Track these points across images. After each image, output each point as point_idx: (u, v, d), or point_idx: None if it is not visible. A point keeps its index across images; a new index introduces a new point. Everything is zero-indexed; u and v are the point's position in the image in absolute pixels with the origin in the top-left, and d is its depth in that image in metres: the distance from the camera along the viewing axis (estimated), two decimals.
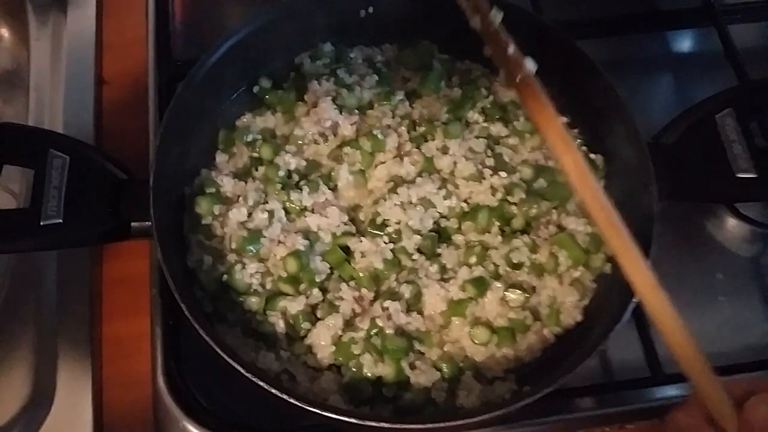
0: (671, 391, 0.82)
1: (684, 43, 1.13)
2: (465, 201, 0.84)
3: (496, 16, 0.70)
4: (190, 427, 0.77)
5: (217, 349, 0.68)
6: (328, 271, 0.80)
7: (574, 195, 0.85)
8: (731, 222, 0.96)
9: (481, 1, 0.71)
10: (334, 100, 0.89)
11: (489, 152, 0.87)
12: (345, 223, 0.82)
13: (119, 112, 1.01)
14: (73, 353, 0.84)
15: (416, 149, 0.87)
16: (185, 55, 1.00)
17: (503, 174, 0.85)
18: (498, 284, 0.80)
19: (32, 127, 0.80)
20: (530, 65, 0.68)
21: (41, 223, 0.72)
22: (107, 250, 0.91)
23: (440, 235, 0.83)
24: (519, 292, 0.79)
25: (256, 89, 0.91)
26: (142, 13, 1.05)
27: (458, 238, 0.83)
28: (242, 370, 0.67)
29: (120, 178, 0.78)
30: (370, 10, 0.91)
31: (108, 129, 1.00)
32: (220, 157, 0.86)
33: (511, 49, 0.69)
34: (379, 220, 0.83)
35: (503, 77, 0.71)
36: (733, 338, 0.89)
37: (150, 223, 0.73)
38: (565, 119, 0.88)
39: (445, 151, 0.87)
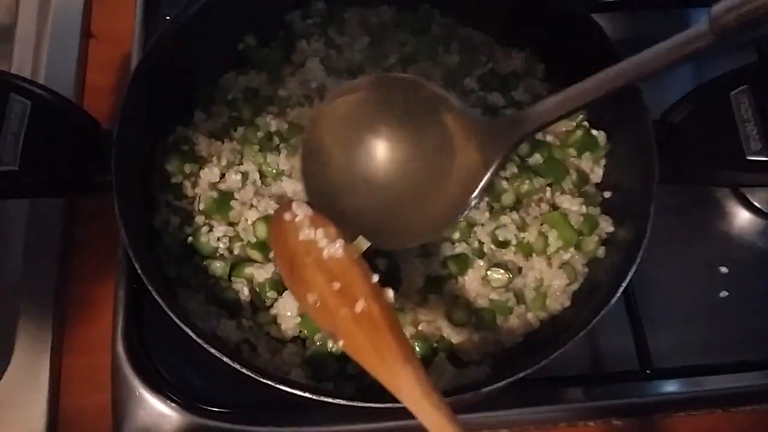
0: (661, 386, 0.78)
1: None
2: None
3: (362, 243, 0.64)
4: (146, 395, 0.74)
5: (171, 314, 0.64)
6: None
7: (570, 173, 0.80)
8: (740, 213, 0.90)
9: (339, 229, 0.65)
10: (322, 61, 0.84)
11: None
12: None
13: (104, 67, 0.98)
14: (35, 313, 0.81)
15: None
16: (175, 11, 0.95)
17: None
18: (481, 262, 0.75)
19: None
20: (390, 295, 0.62)
21: None
22: (80, 209, 0.88)
23: None
24: (502, 271, 0.74)
25: (241, 46, 0.86)
26: None
27: None
28: (195, 337, 0.63)
29: (86, 129, 0.74)
30: None
31: (91, 84, 0.97)
32: (198, 115, 0.82)
33: (375, 277, 0.62)
34: None
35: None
36: (732, 335, 0.84)
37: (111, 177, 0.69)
38: None
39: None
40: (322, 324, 0.64)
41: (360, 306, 0.60)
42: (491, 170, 0.64)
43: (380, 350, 0.59)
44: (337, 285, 0.62)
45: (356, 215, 0.68)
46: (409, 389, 0.56)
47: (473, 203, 0.65)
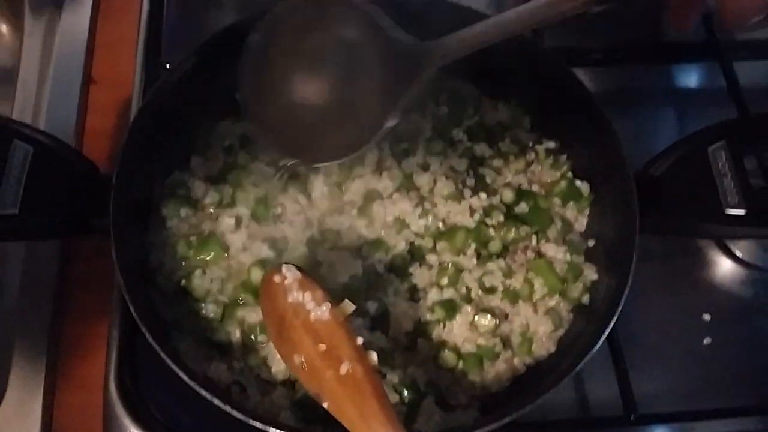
0: None
1: (687, 76, 1.10)
2: (442, 221, 0.81)
3: (347, 307, 0.66)
4: None
5: (163, 355, 0.65)
6: None
7: (555, 221, 0.82)
8: (722, 261, 0.92)
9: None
10: None
11: (471, 172, 0.84)
12: (315, 235, 0.79)
13: (105, 111, 1.01)
14: (29, 351, 0.82)
15: (396, 165, 0.84)
16: (174, 59, 0.99)
17: (483, 195, 0.82)
18: (469, 308, 0.77)
19: None
20: (374, 357, 0.64)
21: None
22: (76, 248, 0.89)
23: (413, 254, 0.80)
24: (489, 317, 0.76)
25: (238, 95, 0.89)
26: (137, 14, 1.04)
27: (432, 258, 0.80)
28: (186, 379, 0.64)
29: (85, 173, 0.76)
30: None
31: (91, 127, 0.99)
32: (195, 161, 0.84)
33: (360, 340, 0.65)
34: (351, 234, 0.80)
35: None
36: (716, 382, 0.85)
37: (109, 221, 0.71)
38: (553, 143, 0.87)
39: (425, 168, 0.84)
40: (308, 385, 0.65)
41: (345, 368, 0.62)
42: (402, 97, 0.66)
43: (364, 413, 0.60)
44: (323, 347, 0.64)
45: (290, 132, 0.72)
46: None
47: (389, 124, 0.67)
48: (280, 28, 0.71)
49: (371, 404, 0.60)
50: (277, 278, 0.68)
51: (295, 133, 0.71)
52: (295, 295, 0.66)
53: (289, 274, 0.67)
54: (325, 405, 0.63)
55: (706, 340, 0.88)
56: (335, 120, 0.70)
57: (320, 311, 0.65)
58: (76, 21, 1.06)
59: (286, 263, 0.69)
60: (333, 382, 0.62)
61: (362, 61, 0.68)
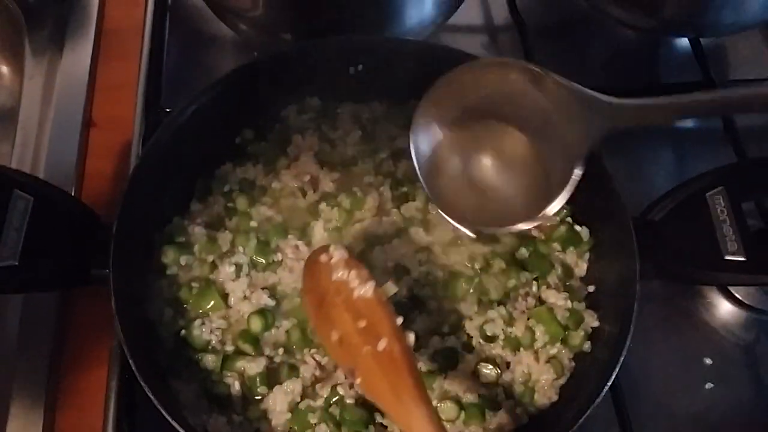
0: None
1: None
2: (442, 268, 0.81)
3: (390, 287, 0.71)
4: None
5: (161, 409, 0.65)
6: (292, 331, 0.76)
7: (556, 267, 0.82)
8: (722, 304, 0.92)
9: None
10: (316, 154, 0.87)
11: None
12: None
13: (104, 155, 1.01)
14: (27, 399, 0.81)
15: (396, 209, 0.84)
16: (174, 103, 0.99)
17: (484, 242, 0.82)
18: (470, 356, 0.76)
19: None
20: (412, 338, 0.66)
21: None
22: (74, 297, 0.89)
23: (414, 301, 0.80)
24: (491, 367, 0.76)
25: (238, 140, 0.90)
26: (138, 58, 1.05)
27: (432, 305, 0.79)
28: None
29: (85, 222, 0.76)
30: (360, 67, 0.90)
31: (91, 171, 0.99)
32: (195, 206, 0.84)
33: (400, 320, 0.67)
34: None
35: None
36: (718, 427, 0.84)
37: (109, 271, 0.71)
38: None
39: (425, 213, 0.84)
40: (342, 361, 0.68)
41: (383, 344, 0.64)
42: (591, 144, 0.71)
43: (397, 389, 0.62)
44: (362, 323, 0.66)
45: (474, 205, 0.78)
46: (420, 428, 0.60)
47: (575, 177, 0.71)
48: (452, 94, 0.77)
49: (406, 380, 0.62)
50: (323, 258, 0.71)
51: (491, 204, 0.78)
52: (340, 274, 0.69)
53: (336, 254, 0.70)
54: (357, 381, 0.65)
55: (708, 385, 0.88)
56: (527, 183, 0.77)
57: (364, 289, 0.68)
58: (77, 63, 1.06)
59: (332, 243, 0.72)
60: (369, 358, 0.64)
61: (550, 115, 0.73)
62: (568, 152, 0.73)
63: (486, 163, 0.80)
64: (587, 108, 0.72)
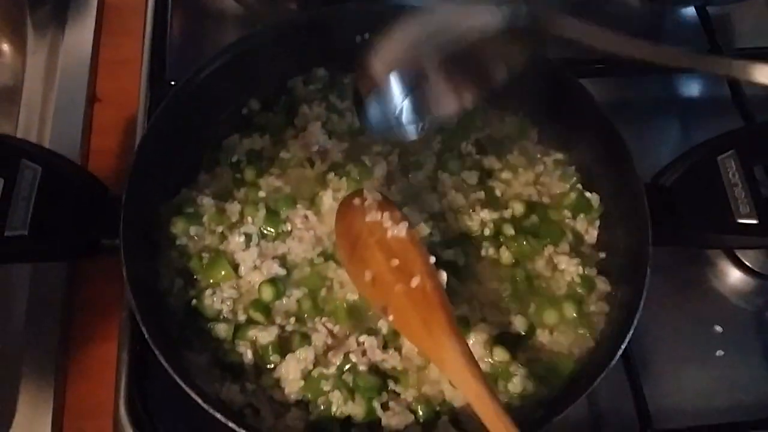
0: None
1: (691, 86, 1.10)
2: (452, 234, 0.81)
3: (422, 228, 0.74)
4: None
5: (176, 377, 0.64)
6: (303, 300, 0.76)
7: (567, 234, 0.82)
8: (732, 272, 0.92)
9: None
10: (323, 124, 0.87)
11: (480, 185, 0.84)
12: (324, 251, 0.79)
13: (109, 130, 1.00)
14: (37, 374, 0.81)
15: (405, 178, 0.84)
16: (179, 77, 0.98)
17: (492, 208, 0.82)
18: (482, 325, 0.76)
19: (5, 135, 0.77)
20: (444, 276, 0.68)
21: (5, 234, 0.69)
22: (83, 270, 0.88)
23: None
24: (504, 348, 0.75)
25: (244, 111, 0.89)
26: (141, 32, 1.04)
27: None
28: (200, 401, 0.64)
29: (94, 193, 0.76)
30: (367, 36, 0.89)
31: (96, 147, 0.98)
32: (203, 177, 0.84)
33: (432, 259, 0.69)
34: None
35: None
36: (730, 395, 0.84)
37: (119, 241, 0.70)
38: (561, 155, 0.87)
39: (435, 181, 0.84)
40: (374, 300, 0.70)
41: (415, 282, 0.66)
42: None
43: (429, 324, 0.64)
44: (395, 262, 0.68)
45: None
46: (453, 360, 0.62)
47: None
48: None
49: (438, 315, 0.64)
50: (356, 201, 0.73)
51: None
52: (374, 215, 0.71)
53: (370, 196, 0.73)
54: (389, 318, 0.67)
55: (719, 353, 0.87)
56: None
57: (397, 229, 0.70)
58: (80, 39, 1.05)
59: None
60: (402, 296, 0.66)
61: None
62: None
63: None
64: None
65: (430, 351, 0.65)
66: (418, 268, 0.67)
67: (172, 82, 0.97)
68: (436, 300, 0.65)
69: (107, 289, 0.85)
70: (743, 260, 0.91)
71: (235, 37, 1.04)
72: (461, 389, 0.63)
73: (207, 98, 0.84)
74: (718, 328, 0.89)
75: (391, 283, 0.67)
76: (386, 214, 0.71)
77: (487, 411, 0.60)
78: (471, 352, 0.63)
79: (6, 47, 1.14)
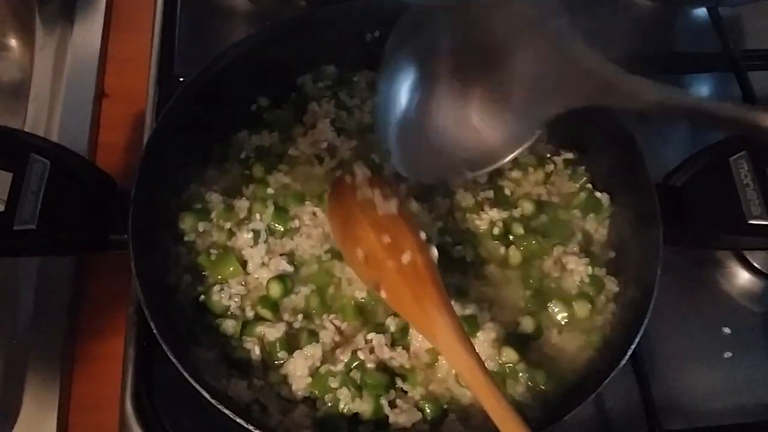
0: None
1: (702, 87, 1.10)
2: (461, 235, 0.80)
3: (414, 204, 0.73)
4: None
5: (185, 373, 0.64)
6: (311, 297, 0.76)
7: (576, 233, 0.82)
8: (741, 274, 0.91)
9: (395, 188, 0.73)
10: (332, 122, 0.87)
11: (489, 184, 0.84)
12: (332, 248, 0.78)
13: (117, 125, 1.00)
14: (43, 369, 0.81)
15: None
16: (187, 73, 0.98)
17: (502, 207, 0.81)
18: (491, 324, 0.75)
19: (14, 129, 0.77)
20: (435, 252, 0.68)
21: (14, 228, 0.69)
22: (90, 265, 0.88)
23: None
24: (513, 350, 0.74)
25: (253, 107, 0.89)
26: (150, 28, 1.04)
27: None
28: (208, 397, 0.63)
29: (103, 188, 0.76)
30: (377, 34, 0.89)
31: (104, 142, 0.98)
32: (211, 173, 0.84)
33: (423, 235, 0.68)
34: None
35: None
36: (738, 396, 0.84)
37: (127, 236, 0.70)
38: (571, 154, 0.86)
39: (444, 178, 0.83)
40: (366, 277, 0.70)
41: (407, 257, 0.66)
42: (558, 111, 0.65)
43: (420, 299, 0.65)
44: (387, 239, 0.68)
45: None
46: (444, 335, 0.63)
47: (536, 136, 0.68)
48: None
49: (428, 290, 0.65)
50: (347, 178, 0.74)
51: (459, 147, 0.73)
52: (365, 192, 0.71)
53: (360, 173, 0.74)
54: (382, 294, 0.68)
55: (727, 354, 0.87)
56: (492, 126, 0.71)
57: (388, 206, 0.70)
58: (88, 34, 1.06)
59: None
60: (393, 272, 0.67)
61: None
62: (535, 107, 0.67)
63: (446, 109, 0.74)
64: (569, 68, 0.64)
65: (421, 326, 0.65)
66: (408, 243, 0.67)
67: (181, 79, 0.97)
68: (427, 275, 0.66)
69: (114, 283, 0.85)
70: (752, 262, 0.91)
71: (244, 33, 1.05)
72: (453, 364, 0.63)
73: (216, 94, 0.84)
74: (727, 330, 0.88)
75: (383, 260, 0.67)
76: (377, 191, 0.71)
77: (478, 384, 0.61)
78: (462, 327, 0.63)
79: (14, 43, 1.14)
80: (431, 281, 0.65)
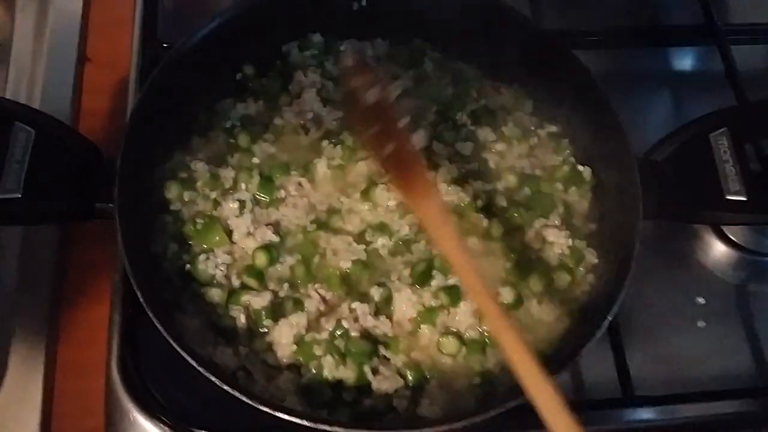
0: (642, 413, 0.79)
1: (685, 60, 1.10)
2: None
3: (396, 89, 0.74)
4: (140, 419, 0.74)
5: (170, 339, 0.65)
6: (297, 267, 0.77)
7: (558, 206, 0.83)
8: (717, 246, 0.93)
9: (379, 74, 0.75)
10: (318, 92, 0.87)
11: (474, 156, 0.84)
12: (317, 219, 0.79)
13: (100, 91, 0.99)
14: (28, 335, 0.81)
15: None
16: (171, 38, 0.97)
17: (486, 180, 0.82)
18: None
19: None
20: (420, 139, 0.72)
21: None
22: (76, 233, 0.88)
23: (417, 239, 0.80)
24: None
25: (239, 75, 0.88)
26: None
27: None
28: (194, 364, 0.64)
29: (87, 157, 0.75)
30: (363, 2, 0.89)
31: (87, 108, 0.97)
32: (196, 142, 0.84)
33: (402, 123, 0.71)
34: (354, 219, 0.80)
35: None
36: (710, 364, 0.86)
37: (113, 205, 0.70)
38: (555, 127, 0.87)
39: (430, 152, 0.84)
40: (374, 160, 0.76)
41: (390, 147, 0.71)
42: None
43: (410, 184, 0.71)
44: (376, 128, 0.72)
45: None
46: (426, 207, 0.69)
47: None
48: None
49: (415, 171, 0.71)
50: (349, 61, 0.79)
51: None
52: (352, 82, 0.75)
53: (347, 60, 0.79)
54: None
55: (701, 323, 0.89)
56: None
57: (370, 93, 0.73)
58: None
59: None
60: (386, 158, 0.72)
61: None
62: None
63: None
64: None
65: (414, 206, 0.71)
66: (393, 131, 0.71)
67: (165, 44, 0.96)
68: (411, 158, 0.71)
69: (99, 252, 0.85)
70: (728, 234, 0.93)
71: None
72: (438, 243, 0.68)
73: (202, 62, 0.83)
74: (701, 300, 0.90)
75: (379, 147, 0.71)
76: (360, 79, 0.74)
77: (452, 252, 0.66)
78: (445, 206, 0.73)
79: None
80: (417, 168, 0.71)
